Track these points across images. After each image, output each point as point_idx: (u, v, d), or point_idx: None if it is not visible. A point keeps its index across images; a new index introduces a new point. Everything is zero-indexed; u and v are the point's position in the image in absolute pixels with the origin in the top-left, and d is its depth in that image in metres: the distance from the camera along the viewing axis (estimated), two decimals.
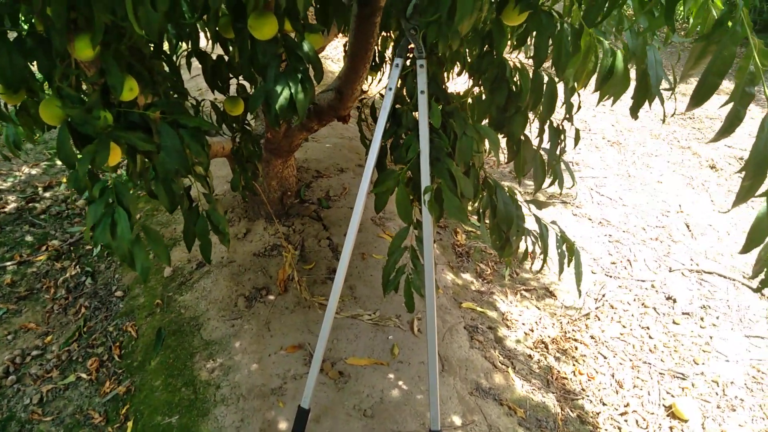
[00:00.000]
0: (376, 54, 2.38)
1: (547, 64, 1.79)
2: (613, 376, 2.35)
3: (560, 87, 1.50)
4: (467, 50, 1.64)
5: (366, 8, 1.68)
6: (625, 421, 2.15)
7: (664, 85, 1.34)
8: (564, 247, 1.74)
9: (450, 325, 2.28)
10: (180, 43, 1.70)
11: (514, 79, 1.55)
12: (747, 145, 4.12)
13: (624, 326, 2.62)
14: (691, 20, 1.47)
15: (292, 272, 2.28)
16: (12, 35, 1.19)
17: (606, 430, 2.10)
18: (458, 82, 4.22)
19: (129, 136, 1.26)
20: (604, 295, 2.80)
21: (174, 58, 1.67)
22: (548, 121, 1.58)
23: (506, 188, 1.65)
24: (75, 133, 1.23)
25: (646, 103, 1.38)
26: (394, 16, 2.23)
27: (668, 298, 2.77)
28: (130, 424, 1.87)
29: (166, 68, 1.60)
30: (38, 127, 1.53)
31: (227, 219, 2.70)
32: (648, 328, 2.60)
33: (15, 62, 1.17)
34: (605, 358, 2.44)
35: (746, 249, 1.02)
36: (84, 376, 2.10)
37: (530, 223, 1.68)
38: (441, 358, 2.09)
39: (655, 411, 2.19)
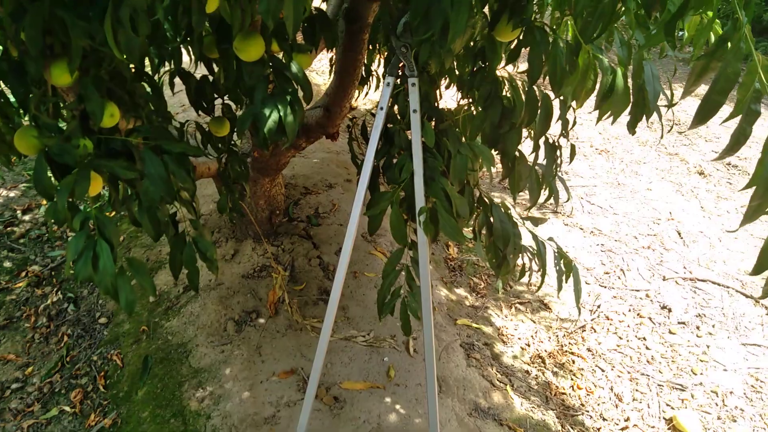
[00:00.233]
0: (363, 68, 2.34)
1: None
2: (611, 389, 2.32)
3: (554, 102, 1.47)
4: (460, 67, 1.60)
5: (354, 25, 1.64)
6: None
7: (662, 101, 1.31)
8: (562, 264, 1.71)
9: (446, 343, 2.23)
10: (163, 63, 1.65)
11: (508, 95, 1.52)
12: None
13: (620, 337, 2.60)
14: (686, 33, 1.45)
15: (282, 294, 2.22)
16: None
17: None
18: (446, 95, 4.20)
19: (110, 165, 1.21)
20: (599, 306, 2.77)
21: (156, 78, 1.61)
22: (544, 137, 1.55)
23: (500, 203, 1.62)
24: (53, 164, 1.17)
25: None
26: (381, 32, 2.20)
27: (663, 308, 2.75)
28: None
29: (148, 89, 1.54)
30: (14, 155, 1.46)
31: (214, 240, 2.63)
32: (644, 338, 2.58)
33: None
34: (603, 371, 2.41)
35: (757, 271, 0.99)
36: (67, 409, 2.02)
37: (526, 239, 1.65)
38: (438, 378, 2.04)
39: (655, 424, 2.16)
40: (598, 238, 3.32)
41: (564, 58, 1.28)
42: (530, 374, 2.32)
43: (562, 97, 1.35)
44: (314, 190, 3.05)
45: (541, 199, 1.70)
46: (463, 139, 1.55)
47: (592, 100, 1.31)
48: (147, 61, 1.58)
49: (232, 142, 1.91)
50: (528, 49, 1.34)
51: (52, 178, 1.19)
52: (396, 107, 1.54)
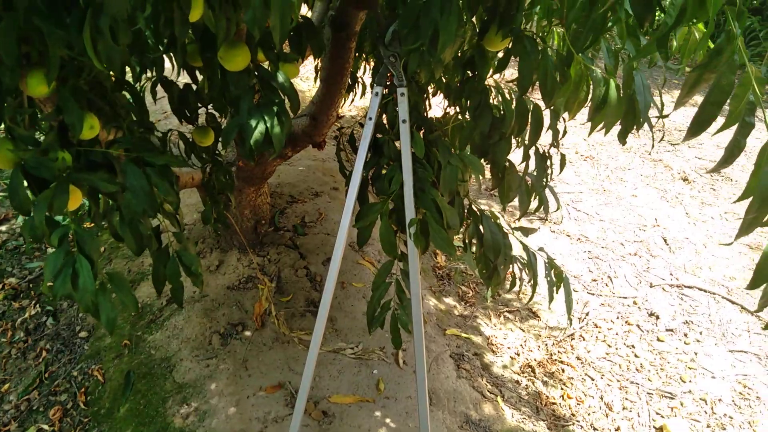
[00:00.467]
0: None
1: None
2: (602, 398, 2.30)
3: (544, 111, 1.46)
4: (448, 76, 1.58)
5: (341, 33, 1.62)
6: None
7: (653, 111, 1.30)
8: (552, 274, 1.69)
9: (436, 354, 2.21)
10: (144, 71, 1.60)
11: (498, 104, 1.51)
12: (716, 156, 4.19)
13: (609, 345, 2.59)
14: (674, 43, 1.45)
15: (268, 306, 2.18)
16: None
17: None
18: (432, 102, 4.19)
19: (90, 178, 1.17)
20: (587, 314, 2.77)
21: (138, 87, 1.57)
22: (534, 147, 1.54)
23: (489, 212, 1.60)
24: (30, 177, 1.13)
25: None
26: (368, 40, 2.17)
27: (651, 315, 2.76)
28: None
29: (130, 98, 1.50)
30: None
31: (198, 250, 2.58)
32: (633, 346, 2.58)
33: None
34: (593, 379, 2.40)
35: (753, 286, 0.98)
36: (46, 427, 1.95)
37: (516, 249, 1.63)
38: (429, 391, 2.01)
39: None
40: (584, 244, 3.33)
41: (555, 68, 1.27)
42: (520, 384, 2.30)
43: (552, 108, 1.34)
44: (300, 199, 3.01)
45: (531, 208, 1.69)
46: (455, 149, 1.53)
47: (583, 108, 1.30)
48: (128, 69, 1.53)
49: (217, 152, 1.87)
50: (517, 58, 1.33)
51: (29, 193, 1.14)
52: (385, 117, 1.52)
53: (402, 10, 1.24)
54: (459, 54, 1.45)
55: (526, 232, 1.65)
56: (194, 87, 1.62)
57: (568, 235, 3.41)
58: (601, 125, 1.20)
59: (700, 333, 2.63)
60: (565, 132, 1.48)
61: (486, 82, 1.50)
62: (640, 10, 0.96)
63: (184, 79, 1.53)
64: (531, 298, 1.67)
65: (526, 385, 2.31)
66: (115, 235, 1.33)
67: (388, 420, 1.85)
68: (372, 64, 2.70)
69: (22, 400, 2.07)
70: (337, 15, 1.59)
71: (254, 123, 1.22)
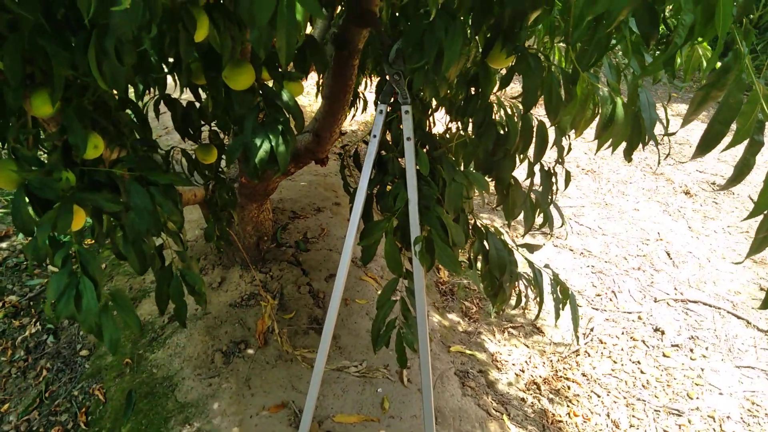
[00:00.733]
0: None
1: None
2: (608, 416, 2.28)
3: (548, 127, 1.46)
4: (452, 94, 1.58)
5: (344, 50, 1.62)
6: None
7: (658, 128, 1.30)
8: (558, 291, 1.68)
9: (440, 371, 2.18)
10: (147, 90, 1.60)
11: (501, 121, 1.50)
12: (717, 170, 4.19)
13: (615, 361, 2.56)
14: (678, 60, 1.45)
15: (271, 323, 2.16)
16: None
17: None
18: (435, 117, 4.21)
19: (94, 198, 1.16)
20: (592, 329, 2.74)
21: (140, 105, 1.57)
22: (539, 164, 1.53)
23: (490, 225, 1.59)
24: (33, 198, 1.12)
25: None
26: (371, 57, 2.18)
27: (656, 330, 2.73)
28: None
29: (133, 117, 1.50)
30: None
31: (200, 267, 2.57)
32: (639, 362, 2.55)
33: None
34: (599, 396, 2.37)
35: (766, 305, 0.96)
36: None
37: (521, 265, 1.62)
38: (434, 409, 1.99)
39: None
40: (588, 259, 3.31)
41: (560, 85, 1.27)
42: (526, 402, 2.27)
43: (558, 125, 1.34)
44: (302, 214, 3.01)
45: (536, 224, 1.68)
46: (462, 166, 1.52)
47: (595, 138, 1.30)
48: (130, 87, 1.53)
49: (220, 169, 1.87)
50: (521, 75, 1.33)
51: (32, 213, 1.13)
52: (389, 134, 1.52)
53: (405, 28, 1.25)
54: (463, 71, 1.45)
55: (532, 248, 1.64)
56: (197, 105, 1.62)
57: (571, 250, 3.39)
58: (608, 143, 1.19)
59: (706, 348, 2.61)
60: (569, 149, 1.48)
61: (491, 98, 1.50)
62: (646, 29, 0.96)
63: (186, 95, 1.53)
64: (538, 316, 1.65)
65: (532, 402, 2.28)
66: (119, 255, 1.32)
67: None
68: (374, 80, 2.71)
69: (21, 420, 2.04)
70: (340, 33, 1.59)
71: (259, 142, 1.22)
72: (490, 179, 1.60)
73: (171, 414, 1.93)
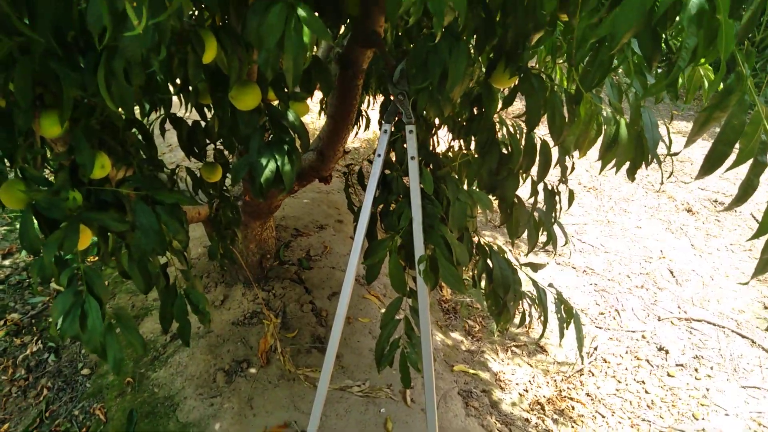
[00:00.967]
0: None
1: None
2: None
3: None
4: (456, 113, 1.60)
5: (348, 71, 1.64)
6: None
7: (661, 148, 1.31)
8: (562, 310, 1.67)
9: (444, 391, 2.17)
10: (154, 109, 1.62)
11: (505, 140, 1.51)
12: (719, 188, 4.20)
13: (619, 381, 2.54)
14: (680, 80, 1.46)
15: (274, 342, 2.15)
16: None
17: None
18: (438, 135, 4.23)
19: (101, 217, 1.16)
20: (596, 348, 2.73)
21: (147, 124, 1.58)
22: (542, 183, 1.54)
23: (492, 243, 1.59)
24: (40, 218, 1.13)
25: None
26: (374, 76, 2.20)
27: (660, 349, 2.72)
28: None
29: (139, 136, 1.51)
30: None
31: (203, 285, 2.56)
32: (643, 382, 2.53)
33: None
34: (603, 417, 2.35)
35: None
36: None
37: (525, 284, 1.62)
38: (438, 430, 1.97)
39: None
40: (591, 277, 3.30)
41: (563, 105, 1.28)
42: (530, 422, 2.25)
43: (561, 145, 1.34)
44: (305, 232, 3.01)
45: (539, 242, 1.68)
46: (464, 185, 1.53)
47: (598, 159, 1.31)
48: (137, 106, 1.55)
49: (224, 188, 1.87)
50: (524, 94, 1.34)
51: (39, 233, 1.14)
52: (393, 153, 1.53)
53: (410, 49, 1.26)
54: (466, 91, 1.46)
55: (536, 267, 1.64)
56: (203, 124, 1.64)
57: (574, 268, 3.39)
58: (611, 163, 1.20)
59: (711, 368, 2.59)
60: (573, 168, 1.48)
61: (493, 118, 1.51)
62: (649, 51, 0.97)
63: (191, 114, 1.54)
64: (542, 335, 1.64)
65: (536, 423, 2.26)
66: (123, 274, 1.32)
67: None
68: (377, 98, 2.73)
69: None
70: (345, 53, 1.61)
71: (265, 161, 1.23)
72: (493, 198, 1.61)
73: None
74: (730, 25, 0.79)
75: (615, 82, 1.44)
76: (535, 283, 1.63)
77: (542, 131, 1.28)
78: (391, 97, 1.38)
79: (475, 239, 1.59)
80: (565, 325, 1.67)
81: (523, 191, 1.53)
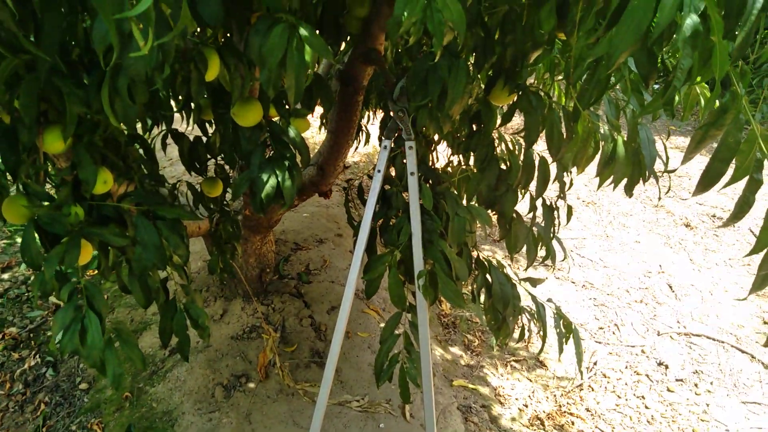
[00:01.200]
0: None
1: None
2: None
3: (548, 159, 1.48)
4: (455, 129, 1.61)
5: (348, 87, 1.66)
6: None
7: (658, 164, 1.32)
8: (561, 325, 1.67)
9: (443, 406, 2.16)
10: (156, 125, 1.63)
11: (504, 156, 1.53)
12: (717, 203, 4.21)
13: (619, 396, 2.53)
14: (677, 98, 1.48)
15: (273, 356, 2.14)
16: None
17: None
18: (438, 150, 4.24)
19: (102, 232, 1.17)
20: (595, 363, 2.72)
21: (149, 139, 1.59)
22: (541, 199, 1.55)
23: (495, 261, 1.60)
24: (42, 232, 1.13)
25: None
26: (375, 92, 2.22)
27: (660, 364, 2.71)
28: None
29: (141, 151, 1.52)
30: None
31: (202, 298, 2.56)
32: (643, 397, 2.52)
33: None
34: None
35: None
36: None
37: (524, 299, 1.62)
38: None
39: None
40: (590, 291, 3.30)
41: (561, 122, 1.29)
42: None
43: (559, 161, 1.36)
44: (305, 246, 3.01)
45: (538, 257, 1.69)
46: (464, 200, 1.54)
47: (596, 175, 1.32)
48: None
49: (225, 202, 1.88)
50: (523, 111, 1.36)
51: (41, 248, 1.15)
52: (393, 169, 1.54)
53: (409, 64, 1.28)
54: (466, 108, 1.48)
55: (535, 282, 1.64)
56: (204, 139, 1.65)
57: (573, 282, 3.39)
58: (609, 180, 1.21)
59: (711, 383, 2.58)
60: (571, 184, 1.50)
61: (492, 134, 1.53)
62: (645, 71, 0.98)
63: (193, 129, 1.56)
64: (541, 350, 1.65)
65: None
66: (123, 288, 1.32)
67: None
68: (377, 113, 2.75)
69: None
70: (346, 69, 1.63)
71: (265, 177, 1.24)
72: (492, 213, 1.62)
73: None
74: (725, 46, 0.80)
75: (613, 99, 1.46)
76: (534, 298, 1.63)
77: (541, 147, 1.30)
78: (391, 114, 1.40)
79: (475, 254, 1.59)
80: (564, 340, 1.67)
81: (522, 206, 1.55)
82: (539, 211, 1.60)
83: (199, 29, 1.25)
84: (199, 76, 1.05)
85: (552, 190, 1.53)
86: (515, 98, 1.36)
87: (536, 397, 2.49)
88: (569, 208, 1.61)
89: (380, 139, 1.48)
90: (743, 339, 2.86)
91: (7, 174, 1.15)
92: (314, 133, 5.05)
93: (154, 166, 1.50)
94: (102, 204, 1.22)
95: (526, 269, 1.73)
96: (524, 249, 1.64)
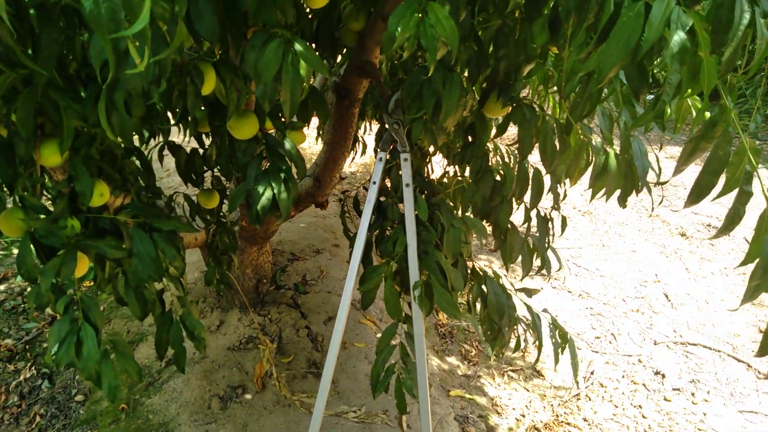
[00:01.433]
0: None
1: None
2: None
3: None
4: (450, 140, 1.63)
5: (344, 99, 1.67)
6: None
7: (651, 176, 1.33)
8: (557, 335, 1.68)
9: (440, 417, 2.16)
10: (153, 137, 1.64)
11: (499, 169, 1.54)
12: (712, 212, 4.24)
13: (616, 406, 2.53)
14: (669, 111, 1.50)
15: (270, 367, 2.14)
16: None
17: None
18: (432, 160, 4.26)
19: (98, 245, 1.18)
20: (592, 373, 2.72)
21: (145, 151, 1.60)
22: (535, 209, 1.56)
23: (491, 271, 1.60)
24: (38, 245, 1.14)
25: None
26: (370, 104, 2.24)
27: (657, 373, 2.71)
28: None
29: (138, 164, 1.53)
30: None
31: (199, 310, 2.56)
32: (640, 406, 2.52)
33: None
34: None
35: (762, 353, 0.97)
36: None
37: (519, 309, 1.63)
38: None
39: None
40: (586, 301, 3.31)
41: (554, 135, 1.31)
42: None
43: (553, 173, 1.37)
44: (301, 256, 3.02)
45: (534, 267, 1.70)
46: (459, 211, 1.55)
47: (589, 187, 1.33)
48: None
49: (221, 213, 1.89)
50: (517, 124, 1.37)
51: (37, 261, 1.15)
52: (388, 181, 1.55)
53: (405, 79, 1.29)
54: (460, 120, 1.50)
55: (530, 293, 1.65)
56: (201, 151, 1.66)
57: (569, 292, 3.39)
58: (602, 192, 1.22)
59: (708, 392, 2.58)
60: (565, 195, 1.51)
61: (486, 146, 1.54)
62: (636, 85, 1.00)
63: (190, 141, 1.57)
64: (537, 360, 1.65)
65: None
66: (120, 300, 1.32)
67: None
68: (373, 124, 2.77)
69: None
70: (341, 82, 1.64)
71: (261, 189, 1.25)
72: (487, 224, 1.63)
73: None
74: (712, 61, 0.82)
75: (607, 111, 1.47)
76: (529, 308, 1.64)
77: (535, 158, 1.31)
78: (387, 126, 1.41)
79: (470, 264, 1.60)
80: (560, 349, 1.67)
81: (517, 217, 1.56)
82: (534, 222, 1.62)
83: (195, 44, 1.26)
84: (196, 89, 1.06)
85: (547, 201, 1.55)
86: (509, 110, 1.38)
87: (533, 407, 2.49)
88: (563, 219, 1.62)
89: (376, 151, 1.49)
90: (739, 348, 2.86)
91: (4, 187, 1.16)
92: (311, 144, 5.07)
93: (150, 178, 1.51)
94: (98, 216, 1.22)
95: (522, 279, 1.74)
96: (520, 259, 1.65)
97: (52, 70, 0.96)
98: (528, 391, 2.60)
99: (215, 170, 1.73)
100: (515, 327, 1.65)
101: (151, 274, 1.22)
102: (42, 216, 1.13)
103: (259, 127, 1.27)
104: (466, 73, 1.34)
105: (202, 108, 1.34)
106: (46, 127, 1.11)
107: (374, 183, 1.45)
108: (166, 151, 1.65)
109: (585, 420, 2.45)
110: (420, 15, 0.90)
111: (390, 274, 1.45)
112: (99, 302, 2.78)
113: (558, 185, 1.48)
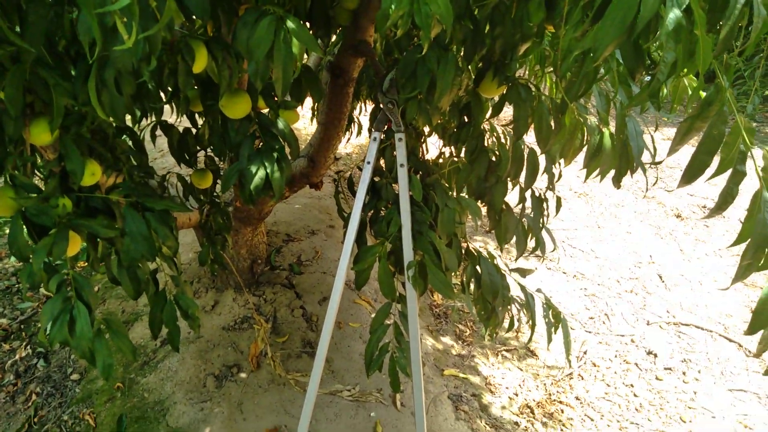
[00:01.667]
0: None
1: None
2: None
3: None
4: (445, 121, 1.61)
5: (339, 79, 1.65)
6: None
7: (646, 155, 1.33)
8: (550, 315, 1.69)
9: (434, 395, 2.18)
10: (145, 116, 1.63)
11: (494, 149, 1.53)
12: (707, 193, 4.24)
13: (608, 385, 2.57)
14: (665, 90, 1.49)
15: (264, 347, 2.15)
16: None
17: None
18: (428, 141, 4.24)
19: (90, 224, 1.17)
20: (585, 352, 2.75)
21: (138, 130, 1.58)
22: (530, 190, 1.56)
23: (486, 252, 1.61)
24: (30, 224, 1.13)
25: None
26: (365, 84, 2.22)
27: (649, 353, 2.74)
28: None
29: (130, 143, 1.52)
30: None
31: (193, 290, 2.56)
32: (632, 385, 2.55)
33: None
34: (592, 420, 2.37)
35: (751, 331, 0.98)
36: None
37: (513, 289, 1.63)
38: None
39: None
40: (581, 282, 3.33)
41: (550, 114, 1.30)
42: (519, 426, 2.27)
43: (548, 153, 1.36)
44: (296, 237, 3.02)
45: (528, 247, 1.70)
46: (454, 192, 1.55)
47: (583, 167, 1.33)
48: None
49: (215, 194, 1.88)
50: (512, 103, 1.36)
51: (28, 240, 1.14)
52: (383, 161, 1.54)
53: (400, 60, 1.28)
54: (455, 100, 1.48)
55: (524, 273, 1.66)
56: (193, 131, 1.64)
57: (564, 272, 3.41)
58: (596, 172, 1.22)
59: (699, 372, 2.61)
60: (560, 176, 1.51)
61: (482, 126, 1.53)
62: (631, 64, 0.99)
63: (182, 121, 1.55)
64: (530, 339, 1.66)
65: (526, 426, 2.28)
66: (113, 280, 1.32)
67: None
68: (368, 104, 2.75)
69: None
70: (335, 61, 1.62)
71: (254, 169, 1.24)
72: (482, 204, 1.62)
73: None
74: (708, 40, 0.81)
75: (603, 91, 1.46)
76: (523, 288, 1.65)
77: (530, 138, 1.30)
78: (381, 106, 1.40)
79: (464, 245, 1.60)
80: (552, 329, 1.69)
81: (512, 198, 1.56)
82: (529, 203, 1.62)
83: (187, 22, 1.24)
84: (187, 67, 1.05)
85: (542, 181, 1.55)
86: (505, 90, 1.37)
87: (526, 386, 2.52)
88: (558, 200, 1.62)
89: (370, 131, 1.48)
90: (731, 328, 2.89)
91: None
92: (306, 124, 5.04)
93: (143, 158, 1.50)
94: (90, 196, 1.22)
95: (516, 260, 1.75)
96: (514, 240, 1.65)
97: (41, 48, 0.94)
98: (521, 370, 2.63)
99: (208, 150, 1.71)
100: (509, 307, 1.66)
101: (143, 254, 1.22)
102: (33, 195, 1.12)
103: (252, 106, 1.25)
104: (461, 52, 1.33)
105: (194, 87, 1.32)
106: (35, 106, 1.10)
107: (368, 163, 1.44)
108: (159, 131, 1.64)
109: (577, 398, 2.48)
110: None
111: (384, 254, 1.45)
112: (93, 282, 2.79)
113: (553, 166, 1.47)
